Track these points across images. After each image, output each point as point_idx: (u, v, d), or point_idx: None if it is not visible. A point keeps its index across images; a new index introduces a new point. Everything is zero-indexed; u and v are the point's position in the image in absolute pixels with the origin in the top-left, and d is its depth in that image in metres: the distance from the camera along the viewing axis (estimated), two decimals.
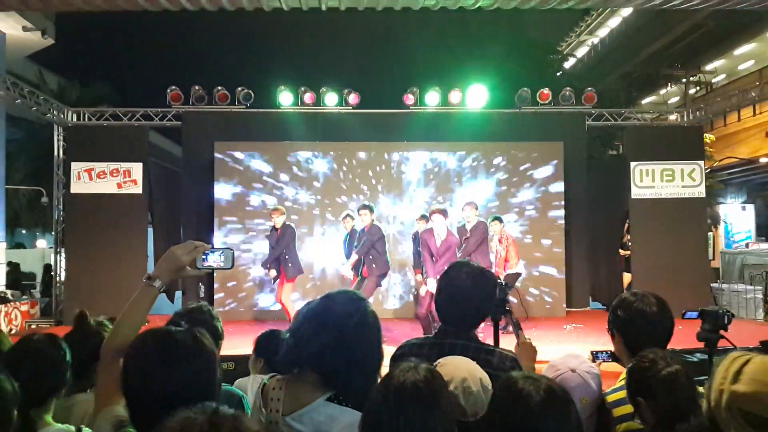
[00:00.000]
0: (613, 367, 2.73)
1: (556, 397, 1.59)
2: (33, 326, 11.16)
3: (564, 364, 2.07)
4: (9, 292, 12.14)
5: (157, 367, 1.64)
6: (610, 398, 2.37)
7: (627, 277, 11.92)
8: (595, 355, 2.75)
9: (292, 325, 2.23)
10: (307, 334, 2.13)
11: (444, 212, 8.15)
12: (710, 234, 18.04)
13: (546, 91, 11.85)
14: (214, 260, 2.23)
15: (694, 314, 2.99)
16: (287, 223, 9.33)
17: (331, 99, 11.61)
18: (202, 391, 1.66)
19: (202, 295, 10.65)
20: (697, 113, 12.60)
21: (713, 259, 16.24)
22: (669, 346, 2.47)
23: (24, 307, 11.34)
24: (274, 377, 2.19)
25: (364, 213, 8.89)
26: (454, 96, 11.76)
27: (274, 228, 9.23)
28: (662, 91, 24.04)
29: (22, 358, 2.35)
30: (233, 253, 2.27)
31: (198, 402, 1.63)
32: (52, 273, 12.14)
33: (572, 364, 2.09)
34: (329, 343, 2.03)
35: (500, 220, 9.72)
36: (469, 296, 2.58)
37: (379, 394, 1.69)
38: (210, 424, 1.26)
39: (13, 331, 10.69)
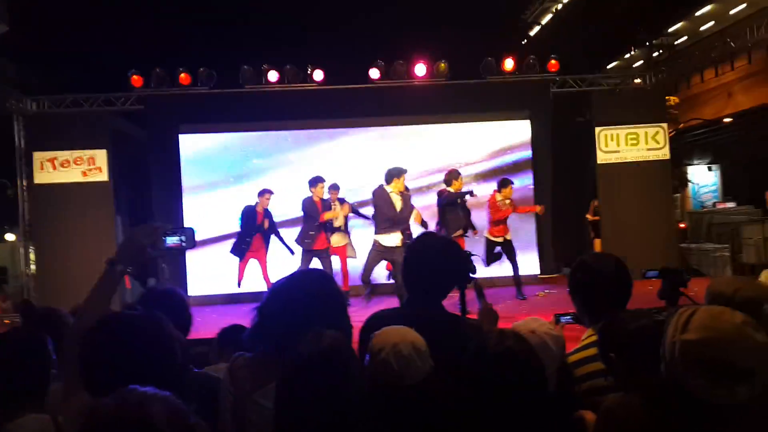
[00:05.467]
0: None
1: (515, 351, 1.64)
2: (6, 321, 11.01)
3: (525, 326, 2.12)
4: None
5: (114, 353, 1.63)
6: (573, 358, 2.44)
7: (599, 243, 12.09)
8: (557, 318, 2.82)
9: (260, 303, 2.25)
10: (272, 312, 2.16)
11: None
12: (677, 196, 18.33)
13: (510, 60, 11.87)
14: (174, 241, 2.22)
15: (655, 273, 3.06)
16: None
17: (295, 76, 11.51)
18: (161, 375, 1.66)
19: (167, 276, 10.64)
20: (659, 76, 12.73)
21: (682, 219, 16.52)
22: (637, 306, 2.53)
23: None
24: (242, 356, 2.21)
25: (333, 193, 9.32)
26: (419, 69, 11.72)
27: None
28: (626, 56, 24.16)
29: (2, 356, 2.33)
30: (194, 231, 2.26)
31: (157, 382, 1.64)
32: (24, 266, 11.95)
33: (532, 326, 2.14)
34: (294, 321, 2.05)
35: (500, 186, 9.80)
36: (436, 266, 2.62)
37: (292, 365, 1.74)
38: (117, 408, 1.26)
39: None
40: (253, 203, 9.75)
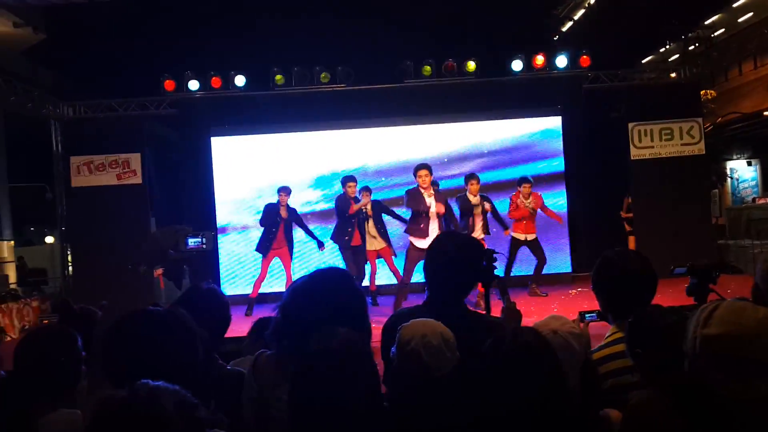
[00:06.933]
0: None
1: (531, 348, 1.63)
2: (45, 321, 11.25)
3: (546, 326, 2.10)
4: (20, 290, 12.25)
5: (135, 347, 1.67)
6: (597, 355, 2.41)
7: (633, 240, 11.90)
8: (582, 316, 2.78)
9: (282, 300, 2.28)
10: (293, 310, 2.18)
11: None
12: (716, 191, 17.96)
13: (540, 56, 11.74)
14: (195, 242, 2.28)
15: (683, 269, 3.00)
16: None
17: (324, 77, 11.54)
18: (182, 369, 1.69)
19: (186, 277, 10.76)
20: (694, 70, 12.47)
21: (720, 215, 16.18)
22: (669, 304, 2.49)
23: (35, 303, 11.45)
24: (264, 353, 2.24)
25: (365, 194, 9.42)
26: (449, 67, 11.66)
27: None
28: (661, 50, 23.75)
29: (35, 352, 2.39)
30: (214, 234, 2.32)
31: (177, 377, 1.68)
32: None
33: (554, 326, 2.12)
34: (313, 319, 2.07)
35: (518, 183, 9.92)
36: (457, 265, 2.61)
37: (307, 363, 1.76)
38: (127, 398, 1.29)
39: (26, 327, 10.81)
40: (275, 201, 9.85)
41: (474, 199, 9.07)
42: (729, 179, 21.36)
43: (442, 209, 8.38)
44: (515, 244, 9.78)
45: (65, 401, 2.36)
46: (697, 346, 1.67)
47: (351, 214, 9.21)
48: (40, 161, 13.45)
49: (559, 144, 11.98)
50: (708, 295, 2.92)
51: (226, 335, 2.97)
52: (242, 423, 2.17)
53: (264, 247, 9.63)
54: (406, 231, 8.77)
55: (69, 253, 11.92)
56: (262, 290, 9.97)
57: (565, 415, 1.64)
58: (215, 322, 2.63)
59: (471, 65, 11.65)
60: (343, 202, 9.34)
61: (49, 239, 19.12)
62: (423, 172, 8.58)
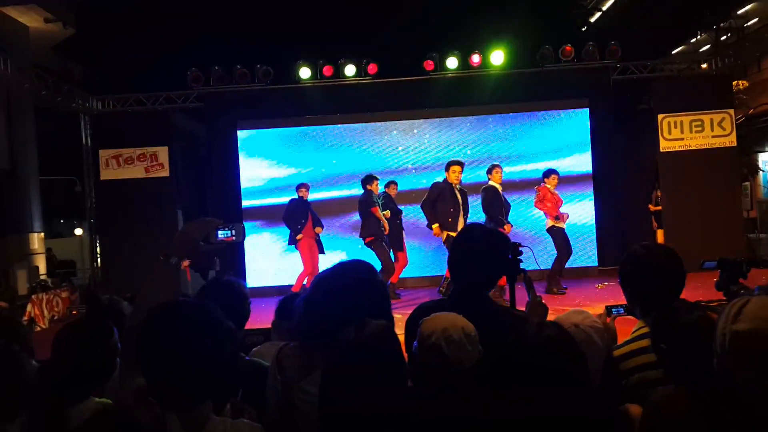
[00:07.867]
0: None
1: (555, 341, 1.62)
2: (74, 312, 11.47)
3: (567, 320, 2.07)
4: (49, 280, 12.47)
5: (166, 339, 1.69)
6: (622, 351, 2.38)
7: (662, 234, 11.75)
8: (609, 310, 2.75)
9: (305, 294, 2.28)
10: (317, 302, 2.19)
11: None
12: (747, 184, 17.64)
13: (568, 47, 11.61)
14: (225, 234, 2.30)
15: (713, 264, 2.96)
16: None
17: (349, 70, 11.54)
18: (212, 361, 1.71)
19: (218, 268, 10.89)
20: (725, 60, 12.23)
21: (751, 208, 15.88)
22: (698, 298, 2.45)
23: (64, 294, 11.65)
24: (287, 345, 2.25)
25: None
26: (475, 59, 11.58)
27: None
28: (692, 40, 23.33)
29: (73, 344, 2.43)
30: (243, 226, 2.34)
31: (209, 368, 1.69)
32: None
33: (576, 320, 2.09)
34: (337, 311, 2.07)
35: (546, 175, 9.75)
36: (482, 258, 2.59)
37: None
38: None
39: (55, 318, 11.00)
40: (297, 197, 9.94)
41: (499, 187, 9.11)
42: (761, 172, 20.95)
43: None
44: (564, 234, 9.58)
45: (97, 391, 2.40)
46: (726, 342, 1.64)
47: (374, 212, 9.42)
48: (70, 154, 13.65)
49: (586, 136, 11.83)
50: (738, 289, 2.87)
51: (252, 327, 2.99)
52: (267, 414, 2.19)
53: (295, 240, 9.78)
54: (429, 226, 8.91)
55: (98, 244, 12.10)
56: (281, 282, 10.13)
57: (586, 409, 1.63)
58: (233, 315, 2.64)
59: (497, 57, 11.56)
60: (369, 197, 9.49)
61: (78, 231, 19.44)
62: (456, 168, 8.68)
